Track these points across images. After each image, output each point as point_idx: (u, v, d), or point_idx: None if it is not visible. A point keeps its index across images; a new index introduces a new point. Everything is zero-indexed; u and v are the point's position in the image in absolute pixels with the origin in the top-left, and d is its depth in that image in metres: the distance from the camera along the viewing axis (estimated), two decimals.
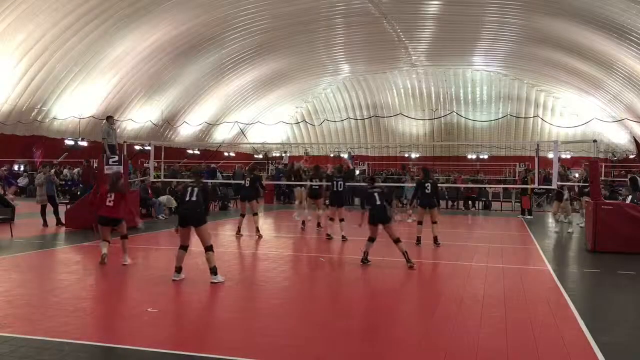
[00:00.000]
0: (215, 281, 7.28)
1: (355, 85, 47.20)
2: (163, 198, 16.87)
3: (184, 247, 7.53)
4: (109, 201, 8.49)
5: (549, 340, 5.14)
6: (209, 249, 7.41)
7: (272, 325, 5.59)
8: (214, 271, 7.35)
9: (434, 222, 11.34)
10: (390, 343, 5.08)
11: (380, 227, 8.90)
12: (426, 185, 11.38)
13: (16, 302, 6.21)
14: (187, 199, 7.51)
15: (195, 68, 34.38)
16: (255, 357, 4.61)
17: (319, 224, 14.08)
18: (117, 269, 8.61)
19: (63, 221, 13.66)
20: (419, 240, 11.23)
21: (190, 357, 4.53)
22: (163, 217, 16.30)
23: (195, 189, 7.52)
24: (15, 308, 5.96)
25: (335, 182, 12.39)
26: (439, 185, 13.56)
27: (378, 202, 8.85)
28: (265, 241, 11.94)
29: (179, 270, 7.48)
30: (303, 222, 14.28)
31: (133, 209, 8.59)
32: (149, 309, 5.95)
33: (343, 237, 11.83)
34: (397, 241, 8.79)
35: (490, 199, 23.45)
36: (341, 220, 12.14)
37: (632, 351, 5.01)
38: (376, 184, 9.48)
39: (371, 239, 8.97)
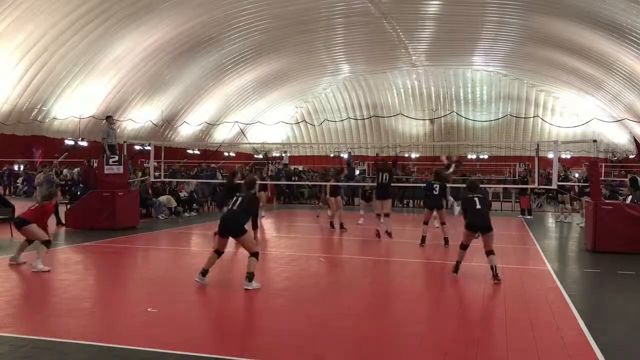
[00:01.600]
0: (249, 288, 6.95)
1: (355, 85, 47.18)
2: (163, 198, 16.85)
3: (218, 253, 7.21)
4: (32, 206, 8.69)
5: (549, 340, 5.14)
6: (253, 255, 7.13)
7: (272, 325, 5.59)
8: (249, 277, 7.02)
9: (443, 224, 11.26)
10: (391, 343, 5.08)
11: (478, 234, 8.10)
12: (435, 186, 11.28)
13: (16, 302, 6.21)
14: (230, 207, 7.35)
15: (195, 68, 34.36)
16: (255, 357, 4.61)
17: (331, 223, 13.99)
18: (116, 270, 8.62)
19: (63, 221, 13.66)
20: (423, 240, 11.19)
21: (190, 357, 4.53)
22: (163, 217, 16.30)
23: (240, 198, 7.32)
24: (15, 308, 5.96)
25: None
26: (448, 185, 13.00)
27: (478, 207, 8.07)
28: (265, 241, 11.93)
29: (204, 273, 7.12)
30: (331, 224, 14.00)
31: (45, 224, 8.55)
32: (149, 309, 5.95)
33: (386, 232, 11.65)
34: (489, 253, 7.93)
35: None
36: (385, 215, 11.72)
37: (632, 351, 5.01)
38: (479, 190, 8.52)
39: (464, 247, 8.18)
